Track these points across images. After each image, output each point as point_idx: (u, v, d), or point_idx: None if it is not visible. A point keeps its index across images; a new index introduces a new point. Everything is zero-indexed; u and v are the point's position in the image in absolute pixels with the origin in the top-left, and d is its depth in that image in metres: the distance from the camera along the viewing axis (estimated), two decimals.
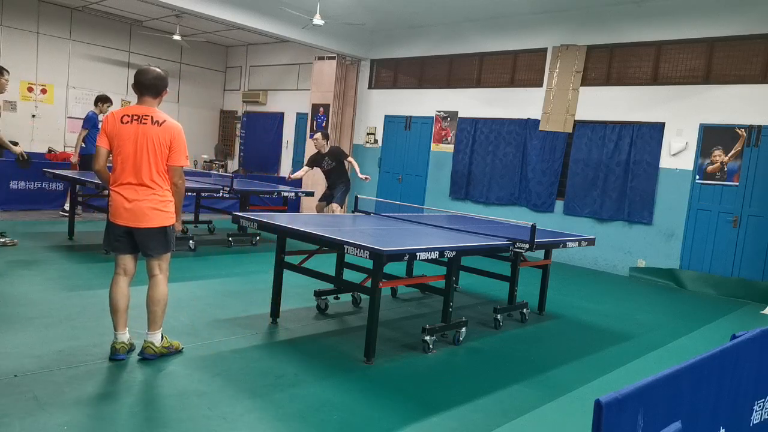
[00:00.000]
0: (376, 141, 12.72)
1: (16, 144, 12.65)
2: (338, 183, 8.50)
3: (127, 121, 3.64)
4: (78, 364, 3.59)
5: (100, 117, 8.96)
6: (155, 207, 3.69)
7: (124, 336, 3.77)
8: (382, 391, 3.69)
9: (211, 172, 13.48)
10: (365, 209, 6.59)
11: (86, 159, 8.74)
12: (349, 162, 8.49)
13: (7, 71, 5.81)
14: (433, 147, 11.67)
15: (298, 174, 8.46)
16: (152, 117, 3.67)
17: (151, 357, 3.78)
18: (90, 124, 8.96)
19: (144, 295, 3.88)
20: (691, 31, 8.53)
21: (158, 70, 3.79)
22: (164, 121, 3.70)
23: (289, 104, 15.01)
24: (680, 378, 1.75)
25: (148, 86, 3.71)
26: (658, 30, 8.82)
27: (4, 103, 13.03)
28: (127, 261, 3.80)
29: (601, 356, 4.91)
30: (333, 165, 8.40)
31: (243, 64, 16.47)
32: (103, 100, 9.10)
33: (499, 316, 5.41)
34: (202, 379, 3.56)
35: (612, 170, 9.17)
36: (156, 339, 3.81)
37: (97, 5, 13.44)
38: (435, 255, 4.13)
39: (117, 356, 3.71)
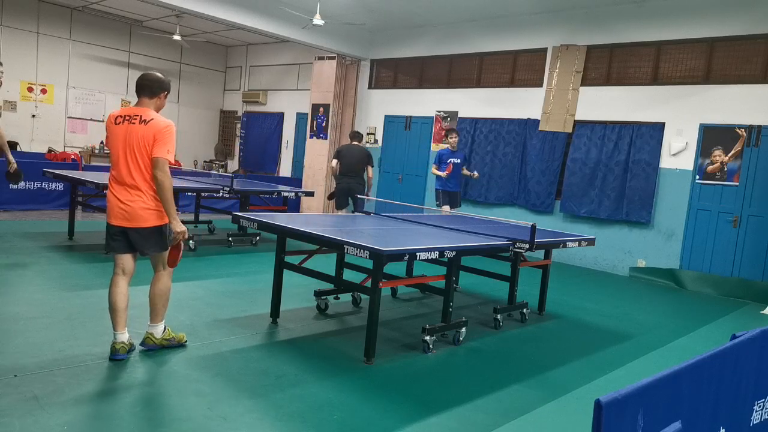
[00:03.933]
0: (376, 141, 12.72)
1: (16, 144, 12.70)
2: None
3: (120, 122, 3.68)
4: (78, 364, 3.59)
5: (444, 151, 9.14)
6: (147, 207, 3.69)
7: (124, 336, 3.76)
8: (382, 391, 3.68)
9: (211, 172, 13.49)
10: (365, 209, 6.59)
11: (442, 194, 9.06)
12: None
13: (0, 63, 5.75)
14: (433, 147, 11.66)
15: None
16: (141, 116, 3.67)
17: (151, 348, 3.86)
18: (436, 159, 9.16)
19: (143, 295, 3.89)
20: (691, 31, 8.53)
21: (158, 74, 3.85)
22: (152, 119, 3.68)
23: (289, 104, 15.02)
24: (680, 378, 1.75)
25: (142, 87, 3.76)
26: (658, 30, 8.82)
27: (5, 103, 13.04)
28: (125, 260, 3.80)
29: (601, 356, 4.91)
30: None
31: (243, 64, 16.48)
32: (447, 133, 9.30)
33: (499, 316, 5.41)
34: (202, 379, 3.56)
35: (611, 170, 9.17)
36: (157, 331, 3.90)
37: (97, 5, 13.44)
38: (435, 255, 4.12)
39: (117, 356, 3.71)
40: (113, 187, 3.71)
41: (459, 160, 9.00)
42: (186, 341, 4.11)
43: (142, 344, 3.90)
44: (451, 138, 9.00)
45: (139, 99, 3.78)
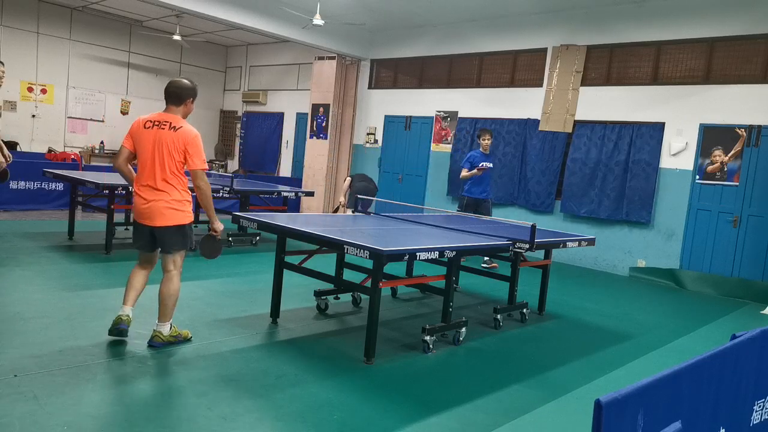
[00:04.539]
0: (376, 141, 12.72)
1: (16, 145, 12.70)
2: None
3: (149, 127, 3.91)
4: (78, 364, 3.59)
5: (476, 153, 8.31)
6: (170, 206, 3.92)
7: (130, 311, 4.01)
8: (382, 391, 3.68)
9: (211, 172, 13.49)
10: (365, 209, 6.59)
11: (467, 201, 8.29)
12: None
13: (2, 62, 5.75)
14: (433, 147, 11.67)
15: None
16: (170, 123, 3.91)
17: (158, 345, 3.98)
18: (466, 163, 8.35)
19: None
20: (691, 31, 8.53)
21: (186, 80, 4.06)
22: (181, 127, 3.91)
23: (289, 104, 15.02)
24: (680, 378, 1.75)
25: (170, 94, 3.99)
26: (658, 30, 8.82)
27: (4, 103, 13.04)
28: (149, 256, 4.13)
29: (601, 356, 4.91)
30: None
31: (243, 64, 16.48)
32: (480, 134, 8.41)
33: (499, 316, 5.41)
34: (202, 379, 3.56)
35: (611, 170, 9.17)
36: (165, 329, 4.02)
37: (97, 5, 13.44)
38: (435, 255, 4.12)
39: (120, 326, 3.91)
40: (138, 188, 3.96)
41: (492, 165, 8.36)
42: (191, 337, 4.22)
43: (149, 342, 3.99)
44: (484, 139, 8.27)
45: (167, 106, 4.01)
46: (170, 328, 4.06)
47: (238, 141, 16.51)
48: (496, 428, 3.31)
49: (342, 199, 9.25)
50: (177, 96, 3.97)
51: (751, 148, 7.97)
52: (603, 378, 4.34)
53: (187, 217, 3.99)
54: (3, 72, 5.76)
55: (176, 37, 13.28)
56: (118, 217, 7.80)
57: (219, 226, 4.13)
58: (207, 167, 3.99)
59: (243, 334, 4.51)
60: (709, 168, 8.33)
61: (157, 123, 3.90)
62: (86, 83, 14.28)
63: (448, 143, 11.37)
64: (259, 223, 4.67)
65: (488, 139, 8.30)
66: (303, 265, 4.86)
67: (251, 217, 4.79)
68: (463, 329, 4.85)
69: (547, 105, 9.94)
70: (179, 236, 3.98)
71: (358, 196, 7.01)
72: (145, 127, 3.92)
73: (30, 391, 3.16)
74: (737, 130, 8.08)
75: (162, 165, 3.86)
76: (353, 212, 7.53)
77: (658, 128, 8.78)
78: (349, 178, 9.46)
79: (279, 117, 15.24)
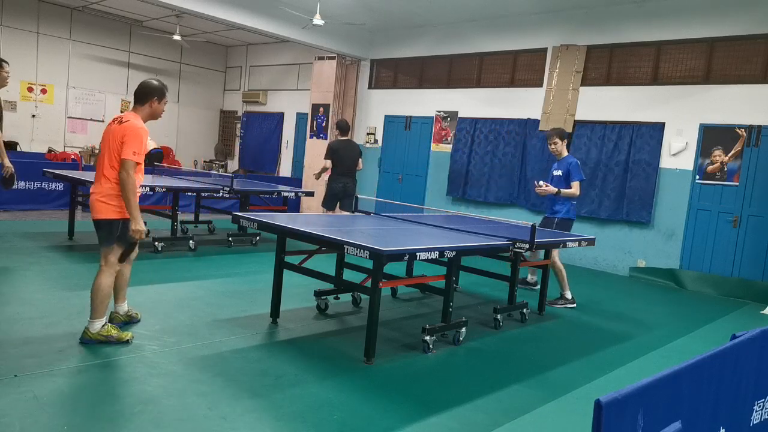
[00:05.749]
0: (376, 141, 12.72)
1: (16, 145, 12.69)
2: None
3: (110, 124, 4.06)
4: (78, 364, 3.59)
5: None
6: (100, 199, 3.92)
7: (120, 308, 4.37)
8: (382, 391, 3.68)
9: (211, 172, 13.49)
10: (365, 209, 6.59)
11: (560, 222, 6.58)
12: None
13: (7, 62, 5.74)
14: (433, 147, 11.67)
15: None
16: (122, 118, 3.99)
17: (86, 341, 3.92)
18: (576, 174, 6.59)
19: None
20: (691, 31, 8.53)
21: (153, 81, 4.17)
22: (127, 121, 3.95)
23: (289, 104, 15.02)
24: (680, 378, 1.75)
25: (135, 95, 4.15)
26: (658, 30, 8.82)
27: (4, 103, 13.04)
28: None
29: (601, 356, 4.91)
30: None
31: (243, 64, 16.48)
32: (560, 135, 6.70)
33: (499, 316, 5.41)
34: (202, 379, 3.56)
35: (611, 170, 9.17)
36: (92, 326, 3.94)
37: (97, 5, 13.44)
38: (435, 255, 4.12)
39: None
40: None
41: (560, 172, 6.58)
42: (128, 339, 4.01)
43: (80, 338, 3.94)
44: (550, 144, 6.66)
45: (134, 106, 4.14)
46: (103, 326, 3.94)
47: (238, 141, 16.51)
48: (496, 428, 3.31)
49: (324, 164, 8.07)
50: (138, 96, 4.08)
51: (751, 148, 7.97)
52: (603, 378, 4.34)
53: (115, 211, 3.90)
54: (8, 73, 5.76)
55: (176, 37, 13.29)
56: None
57: (135, 225, 3.84)
58: (138, 162, 3.84)
59: (243, 334, 4.51)
60: (709, 168, 8.33)
61: (115, 120, 4.03)
62: (86, 83, 14.29)
63: (448, 143, 11.37)
64: (259, 223, 4.67)
65: (555, 143, 6.62)
66: (303, 265, 4.86)
67: (251, 217, 4.79)
68: (463, 329, 4.85)
69: (547, 105, 9.94)
70: (106, 230, 3.95)
71: (356, 197, 6.96)
72: (108, 126, 4.08)
73: (30, 391, 3.16)
74: (737, 130, 8.08)
75: (105, 158, 3.91)
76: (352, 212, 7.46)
77: (658, 128, 8.78)
78: (329, 162, 7.97)
79: (279, 117, 15.24)
